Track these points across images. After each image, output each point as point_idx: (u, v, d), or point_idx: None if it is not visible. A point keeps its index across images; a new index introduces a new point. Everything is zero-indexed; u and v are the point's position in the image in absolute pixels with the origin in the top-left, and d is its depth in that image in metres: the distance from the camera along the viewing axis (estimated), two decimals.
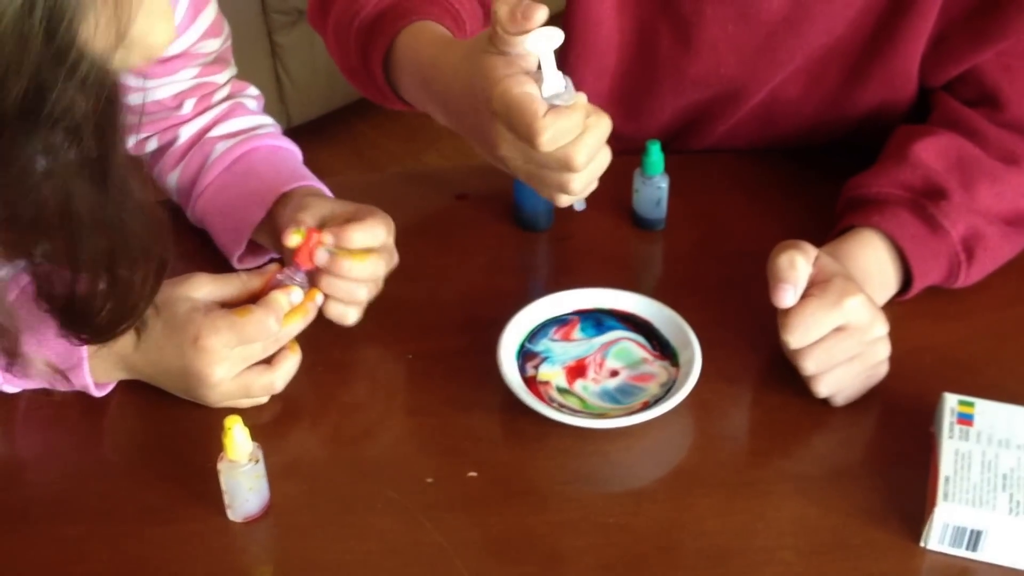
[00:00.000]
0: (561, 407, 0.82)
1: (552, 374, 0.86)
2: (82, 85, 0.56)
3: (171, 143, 0.97)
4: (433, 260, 0.98)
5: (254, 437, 0.76)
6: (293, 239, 0.83)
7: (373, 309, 0.88)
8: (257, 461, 0.76)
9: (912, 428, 0.82)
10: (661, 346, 0.87)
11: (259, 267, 0.87)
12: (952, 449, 0.76)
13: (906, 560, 0.75)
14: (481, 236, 1.01)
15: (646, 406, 0.82)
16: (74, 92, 0.56)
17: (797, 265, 0.80)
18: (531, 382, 0.85)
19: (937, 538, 0.74)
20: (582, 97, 0.74)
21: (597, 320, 0.90)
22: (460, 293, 0.95)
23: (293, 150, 0.99)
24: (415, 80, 0.88)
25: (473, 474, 0.80)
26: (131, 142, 0.95)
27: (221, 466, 0.75)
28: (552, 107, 0.72)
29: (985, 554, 0.74)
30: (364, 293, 0.86)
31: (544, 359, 0.87)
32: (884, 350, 0.83)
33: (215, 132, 0.96)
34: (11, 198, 0.59)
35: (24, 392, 0.85)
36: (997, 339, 0.90)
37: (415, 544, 0.76)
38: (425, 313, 0.93)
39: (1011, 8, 0.92)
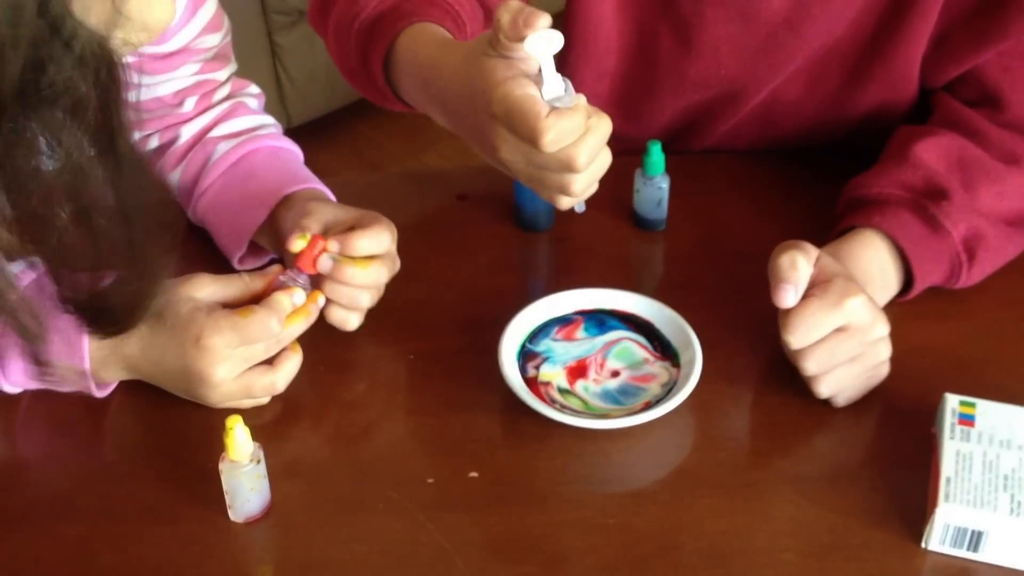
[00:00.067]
0: (563, 408, 0.82)
1: (553, 374, 0.86)
2: (80, 61, 0.56)
3: (172, 142, 0.97)
4: (433, 260, 0.98)
5: (255, 437, 0.76)
6: (297, 244, 0.83)
7: (374, 309, 0.89)
8: (258, 461, 0.76)
9: (913, 429, 0.82)
10: (662, 347, 0.87)
11: (261, 268, 0.87)
12: (953, 450, 0.76)
13: (907, 561, 0.75)
14: (481, 236, 1.01)
15: (647, 406, 0.82)
16: (72, 68, 0.56)
17: (798, 265, 0.80)
18: (532, 382, 0.85)
19: (938, 539, 0.74)
20: (582, 99, 0.74)
21: (600, 320, 0.90)
22: (460, 293, 0.95)
23: (294, 151, 0.99)
24: (415, 81, 0.88)
25: (474, 474, 0.80)
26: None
27: (222, 466, 0.75)
28: (554, 109, 0.72)
29: (986, 555, 0.74)
30: (366, 299, 0.87)
31: (545, 359, 0.87)
32: (885, 351, 0.83)
33: (216, 132, 0.96)
34: (17, 182, 0.59)
35: (25, 393, 0.85)
36: (998, 340, 0.90)
37: (416, 544, 0.76)
38: (426, 313, 0.93)
39: (1012, 8, 0.92)
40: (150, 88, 0.93)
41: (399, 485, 0.79)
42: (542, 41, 0.71)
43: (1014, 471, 0.74)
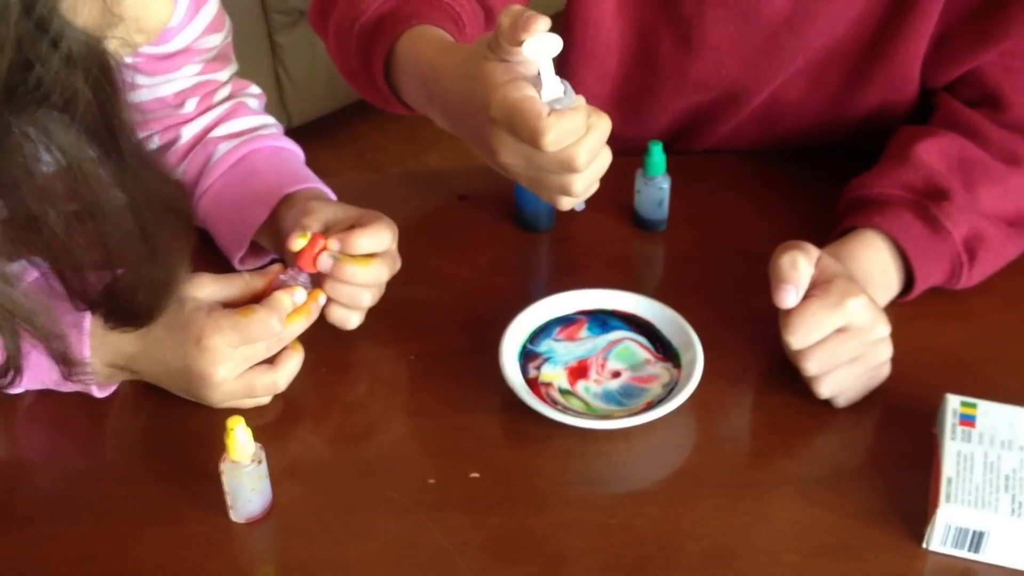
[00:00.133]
0: (564, 409, 0.82)
1: (554, 375, 0.86)
2: (68, 60, 0.56)
3: (173, 142, 0.97)
4: (434, 261, 0.98)
5: (256, 438, 0.76)
6: (297, 243, 0.83)
7: (375, 310, 0.89)
8: (259, 462, 0.76)
9: (914, 429, 0.82)
10: (663, 347, 0.87)
11: (261, 268, 0.87)
12: (954, 450, 0.76)
13: (908, 561, 0.75)
14: (482, 237, 1.01)
15: (649, 407, 0.82)
16: (60, 68, 0.56)
17: (799, 266, 0.80)
18: (533, 383, 0.85)
19: (939, 539, 0.74)
20: (581, 100, 0.74)
21: (602, 321, 0.90)
22: (461, 294, 0.95)
23: (295, 151, 0.99)
24: (415, 84, 0.88)
25: (475, 475, 0.80)
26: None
27: (223, 467, 0.75)
28: (554, 109, 0.72)
29: (987, 555, 0.74)
30: (367, 298, 0.87)
31: (546, 360, 0.87)
32: (886, 351, 0.83)
33: (217, 132, 0.96)
34: (11, 182, 0.59)
35: (27, 393, 0.85)
36: (999, 340, 0.90)
37: (417, 545, 0.76)
38: (426, 314, 0.93)
39: (1013, 8, 0.92)
40: (151, 88, 0.93)
41: (400, 485, 0.79)
42: (540, 44, 0.71)
43: (1015, 471, 0.74)
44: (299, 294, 0.83)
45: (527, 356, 0.87)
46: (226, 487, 0.76)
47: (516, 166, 0.76)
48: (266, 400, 0.85)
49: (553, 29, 0.72)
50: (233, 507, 0.77)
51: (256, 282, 0.84)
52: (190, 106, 0.96)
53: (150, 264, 0.68)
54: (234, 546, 0.77)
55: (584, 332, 0.89)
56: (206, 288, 0.82)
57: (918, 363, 0.86)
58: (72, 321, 0.79)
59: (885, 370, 0.84)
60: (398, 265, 0.89)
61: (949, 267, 0.90)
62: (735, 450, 0.82)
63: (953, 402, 0.79)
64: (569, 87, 0.73)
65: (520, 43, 0.71)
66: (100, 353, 0.81)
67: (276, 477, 0.78)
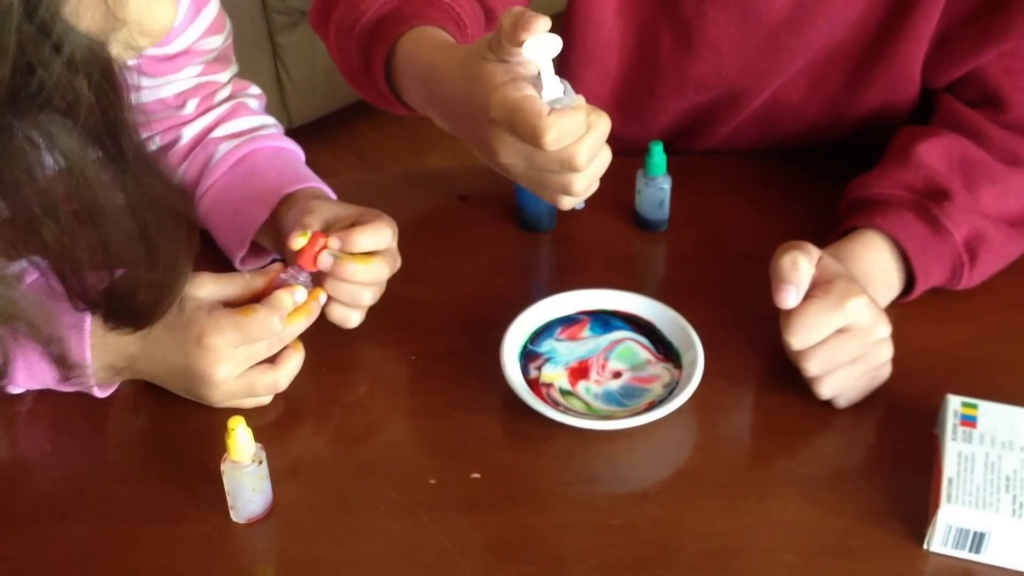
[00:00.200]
0: (566, 410, 0.82)
1: (555, 375, 0.86)
2: (70, 64, 0.56)
3: (173, 143, 0.97)
4: (435, 261, 0.98)
5: (257, 438, 0.76)
6: (298, 242, 0.83)
7: (375, 310, 0.88)
8: (260, 462, 0.76)
9: (915, 430, 0.82)
10: (664, 348, 0.87)
11: (262, 267, 0.87)
12: (955, 451, 0.76)
13: (909, 562, 0.75)
14: (483, 237, 1.01)
15: (650, 407, 0.82)
16: (63, 72, 0.56)
17: (799, 266, 0.80)
18: (534, 383, 0.85)
19: (940, 540, 0.74)
20: (581, 99, 0.74)
21: (604, 321, 0.90)
22: (462, 294, 0.95)
23: (296, 151, 0.99)
24: (416, 85, 0.88)
25: (476, 475, 0.80)
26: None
27: (224, 467, 0.75)
28: (554, 108, 0.72)
29: (988, 556, 0.74)
30: (368, 296, 0.87)
31: (547, 360, 0.87)
32: (887, 352, 0.83)
33: (218, 132, 0.96)
34: (13, 185, 0.59)
35: (28, 393, 0.85)
36: (1000, 341, 0.90)
37: (418, 545, 0.76)
38: (427, 314, 0.93)
39: (1013, 9, 0.92)
40: (152, 90, 0.93)
41: (401, 486, 0.79)
42: (540, 45, 0.71)
43: (1016, 472, 0.74)
44: (300, 293, 0.83)
45: (528, 356, 0.87)
46: (227, 487, 0.76)
47: (516, 166, 0.76)
48: (267, 400, 0.85)
49: (553, 29, 0.72)
50: (234, 507, 0.77)
51: (257, 281, 0.84)
52: (191, 107, 0.96)
53: (151, 267, 0.68)
54: (235, 546, 0.77)
55: (586, 332, 0.89)
56: (207, 287, 0.82)
57: (919, 364, 0.86)
58: (72, 322, 0.79)
59: (886, 371, 0.84)
60: (398, 263, 0.89)
61: (950, 267, 0.90)
62: (736, 450, 0.82)
63: (954, 403, 0.79)
64: (569, 87, 0.73)
65: (521, 43, 0.71)
66: (101, 353, 0.81)
67: (277, 477, 0.78)
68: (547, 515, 0.78)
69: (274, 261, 0.93)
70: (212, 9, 0.92)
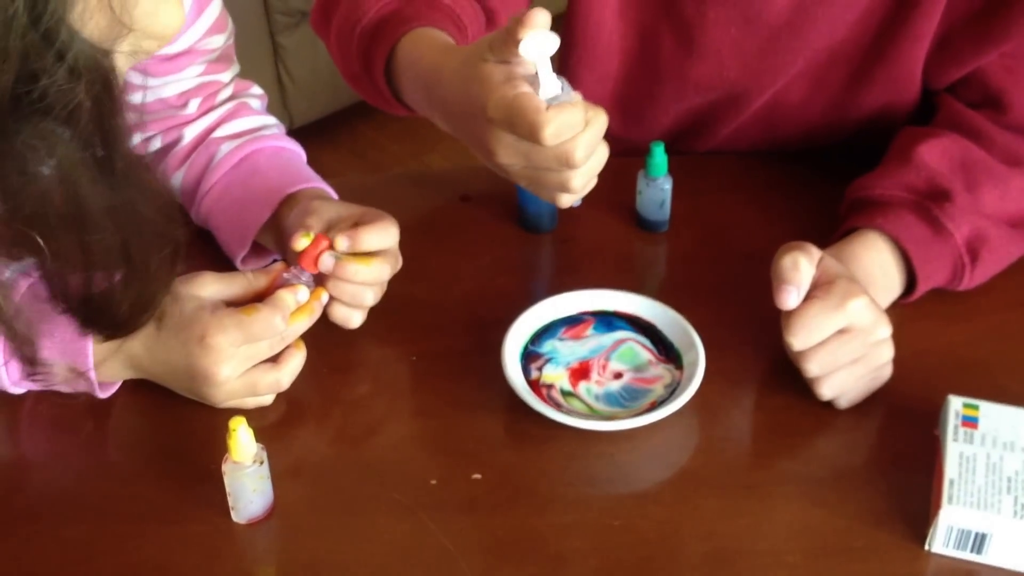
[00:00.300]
0: (568, 411, 0.82)
1: (556, 376, 0.86)
2: (72, 71, 0.56)
3: (175, 143, 0.97)
4: (437, 261, 0.98)
5: (258, 438, 0.76)
6: (301, 243, 0.83)
7: (377, 310, 0.89)
8: (261, 463, 0.76)
9: (916, 431, 0.82)
10: (665, 348, 0.87)
11: (264, 267, 0.87)
12: (957, 452, 0.76)
13: (911, 563, 0.75)
14: (485, 237, 1.01)
15: (652, 408, 0.82)
16: (65, 79, 0.56)
17: (800, 267, 0.80)
18: (535, 384, 0.85)
19: (942, 541, 0.74)
20: (578, 97, 0.74)
21: (608, 321, 0.90)
22: (464, 294, 0.95)
23: (297, 151, 0.99)
24: (416, 86, 0.88)
25: (477, 476, 0.80)
26: (135, 141, 0.95)
27: (225, 467, 0.75)
28: (552, 104, 0.72)
29: (990, 557, 0.74)
30: (370, 296, 0.87)
31: (548, 360, 0.87)
32: (888, 352, 0.83)
33: (220, 132, 0.96)
34: (10, 189, 0.59)
35: (29, 393, 0.85)
36: (1001, 341, 0.90)
37: (419, 546, 0.76)
38: (429, 314, 0.93)
39: (1015, 9, 0.92)
40: (154, 90, 0.93)
41: (402, 486, 0.79)
42: (537, 43, 0.71)
43: (1017, 473, 0.74)
44: (302, 292, 0.83)
45: (529, 357, 0.87)
46: (228, 488, 0.76)
47: (514, 166, 0.76)
48: (269, 400, 0.85)
49: (554, 30, 0.72)
50: (235, 508, 0.77)
51: (259, 281, 0.84)
52: (193, 107, 0.96)
53: (129, 278, 0.68)
54: (236, 547, 0.77)
55: (590, 331, 0.89)
56: (209, 287, 0.82)
57: (920, 364, 0.86)
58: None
59: (887, 371, 0.84)
60: (399, 263, 0.89)
61: (951, 268, 0.90)
62: (737, 451, 0.82)
63: (955, 403, 0.79)
64: (567, 84, 0.73)
65: (517, 41, 0.71)
66: (103, 351, 0.81)
67: (278, 478, 0.78)
68: (548, 516, 0.78)
69: (275, 261, 0.93)
70: (214, 9, 0.92)
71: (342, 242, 0.84)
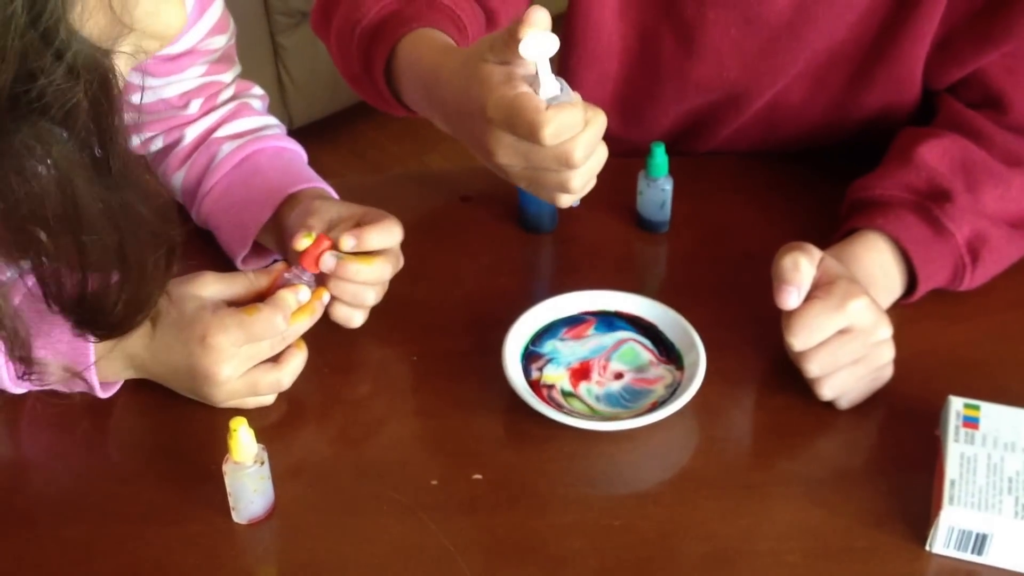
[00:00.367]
0: (568, 412, 0.82)
1: (556, 376, 0.86)
2: (70, 71, 0.56)
3: (176, 143, 0.97)
4: (437, 262, 0.98)
5: (259, 439, 0.76)
6: (302, 243, 0.83)
7: (378, 310, 0.89)
8: (262, 463, 0.76)
9: (917, 431, 0.82)
10: (666, 349, 0.87)
11: (265, 267, 0.87)
12: (958, 452, 0.76)
13: (911, 563, 0.75)
14: (485, 238, 1.01)
15: (653, 408, 0.82)
16: (63, 78, 0.56)
17: (801, 267, 0.80)
18: (535, 385, 0.85)
19: (943, 542, 0.74)
20: (577, 97, 0.74)
21: (609, 322, 0.90)
22: (464, 294, 0.95)
23: (298, 151, 0.99)
24: (416, 86, 0.88)
25: (478, 476, 0.80)
26: (136, 141, 0.95)
27: (226, 468, 0.75)
28: (551, 104, 0.72)
29: (991, 558, 0.74)
30: (371, 296, 0.87)
31: (549, 360, 0.87)
32: (888, 353, 0.83)
33: (221, 132, 0.96)
34: (7, 189, 0.59)
35: (30, 393, 0.85)
36: (1002, 342, 0.90)
37: (419, 546, 0.76)
38: (429, 314, 0.93)
39: (1015, 10, 0.92)
40: (156, 90, 0.93)
41: (403, 487, 0.79)
42: (537, 43, 0.71)
43: (1018, 473, 0.74)
44: (303, 292, 0.83)
45: (530, 357, 0.87)
46: (229, 488, 0.76)
47: (513, 166, 0.76)
48: (270, 400, 0.85)
49: (554, 31, 0.72)
50: (235, 508, 0.77)
51: (260, 281, 0.84)
52: (194, 107, 0.96)
53: (123, 280, 0.68)
54: (236, 547, 0.77)
55: (591, 331, 0.89)
56: (210, 287, 0.82)
57: (921, 365, 0.86)
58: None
59: (888, 372, 0.84)
60: (401, 263, 0.89)
61: (952, 269, 0.90)
62: (738, 452, 0.82)
63: (956, 404, 0.79)
64: (566, 85, 0.73)
65: (516, 41, 0.71)
66: (103, 351, 0.81)
67: (278, 478, 0.78)
68: (548, 516, 0.78)
69: (276, 261, 0.93)
70: (216, 9, 0.92)
71: (347, 241, 0.84)
